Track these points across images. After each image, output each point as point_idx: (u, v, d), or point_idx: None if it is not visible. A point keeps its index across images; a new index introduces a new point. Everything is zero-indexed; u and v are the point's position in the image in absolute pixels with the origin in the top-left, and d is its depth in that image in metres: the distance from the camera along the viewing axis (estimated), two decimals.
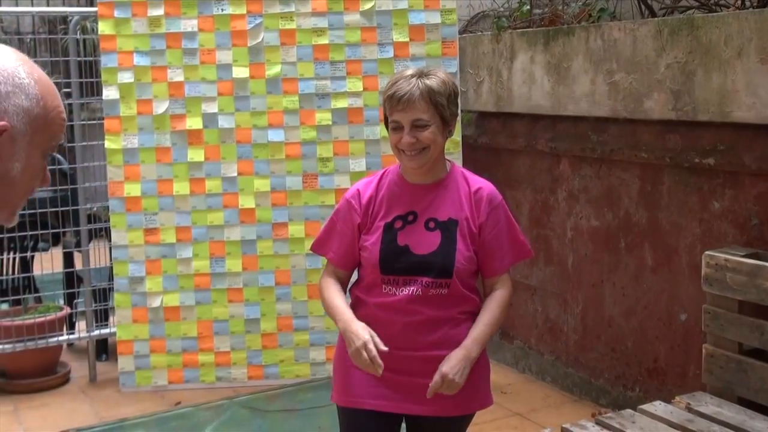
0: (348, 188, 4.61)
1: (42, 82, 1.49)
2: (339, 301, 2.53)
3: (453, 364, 2.37)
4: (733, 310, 3.36)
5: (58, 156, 5.44)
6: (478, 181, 2.60)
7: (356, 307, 2.59)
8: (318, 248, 2.66)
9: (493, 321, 2.49)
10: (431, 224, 2.49)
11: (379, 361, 2.33)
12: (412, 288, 2.45)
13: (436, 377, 2.35)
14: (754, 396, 3.28)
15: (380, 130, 4.70)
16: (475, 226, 2.50)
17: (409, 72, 2.47)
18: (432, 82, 2.43)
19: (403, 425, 2.65)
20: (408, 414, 2.56)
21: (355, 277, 2.67)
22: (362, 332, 2.38)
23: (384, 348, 2.35)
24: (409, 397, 2.48)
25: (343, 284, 2.63)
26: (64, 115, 1.57)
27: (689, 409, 3.24)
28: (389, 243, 2.48)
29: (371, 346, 2.34)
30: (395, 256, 2.47)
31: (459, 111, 2.61)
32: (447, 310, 2.47)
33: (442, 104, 2.44)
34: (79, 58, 4.99)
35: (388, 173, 2.62)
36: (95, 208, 5.30)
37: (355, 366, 2.49)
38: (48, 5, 8.09)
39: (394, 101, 2.43)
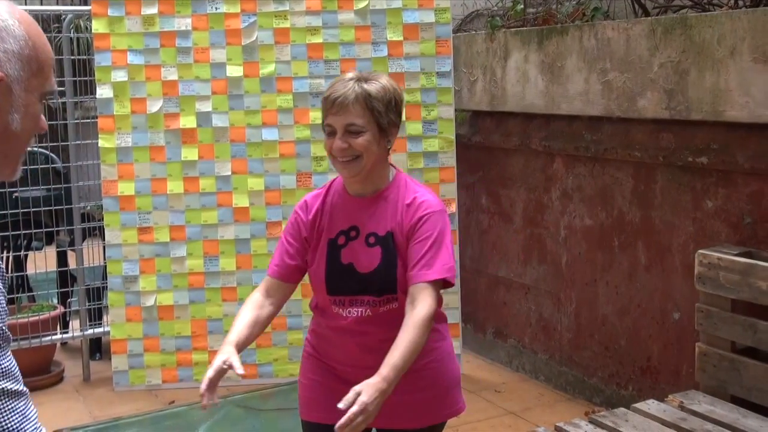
0: None
1: (25, 21, 1.38)
2: (239, 320, 2.40)
3: (372, 393, 2.09)
4: (726, 309, 3.36)
5: (52, 155, 5.43)
6: (416, 191, 2.42)
7: (316, 326, 2.53)
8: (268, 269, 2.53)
9: (411, 345, 2.21)
10: (371, 239, 2.39)
11: (205, 399, 2.29)
12: (360, 309, 2.36)
13: (357, 408, 2.06)
14: (746, 394, 3.29)
15: None
16: (403, 235, 2.36)
17: (350, 75, 2.38)
18: (371, 86, 2.32)
19: None
20: (377, 428, 2.46)
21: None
22: (216, 360, 2.30)
23: (241, 371, 2.24)
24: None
25: (280, 297, 2.48)
26: (53, 54, 1.46)
27: (682, 408, 3.25)
28: (333, 262, 2.39)
29: (203, 383, 2.27)
30: (340, 275, 2.38)
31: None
32: (400, 325, 2.31)
33: (378, 110, 2.31)
34: (72, 57, 4.98)
35: (335, 184, 2.50)
36: (89, 207, 5.30)
37: (319, 380, 2.46)
38: (41, 4, 8.07)
39: (328, 103, 2.34)
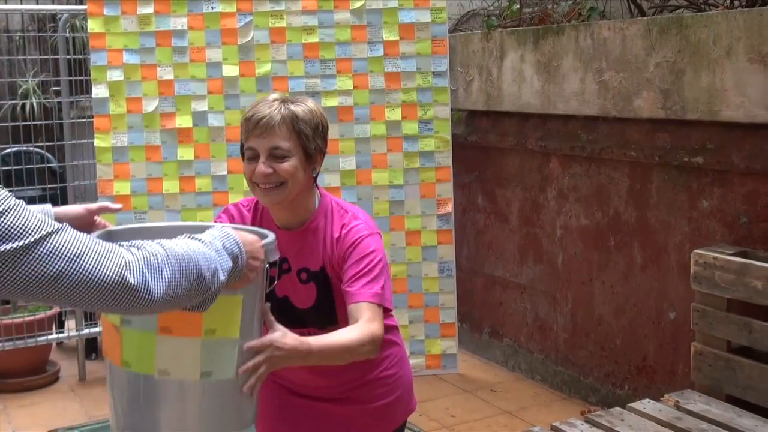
0: (337, 186, 4.64)
1: None
2: None
3: (286, 342, 1.91)
4: (721, 308, 3.37)
5: (47, 154, 5.42)
6: (342, 218, 2.26)
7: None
8: None
9: (344, 345, 2.03)
10: (303, 275, 2.24)
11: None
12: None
13: (263, 342, 1.89)
14: (742, 394, 3.29)
15: (370, 129, 4.70)
16: (335, 268, 2.22)
17: (273, 96, 2.23)
18: (297, 108, 2.17)
19: None
20: None
21: None
22: None
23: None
24: (326, 424, 2.34)
25: None
26: None
27: (678, 407, 3.25)
28: (268, 294, 2.14)
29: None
30: (277, 308, 2.14)
31: (326, 147, 2.26)
32: None
33: (306, 134, 2.16)
34: (68, 56, 4.97)
35: (262, 210, 2.32)
36: None
37: (264, 392, 2.24)
38: (37, 3, 8.04)
39: (251, 125, 2.16)
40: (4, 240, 1.39)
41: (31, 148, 5.27)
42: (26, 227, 1.41)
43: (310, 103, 2.23)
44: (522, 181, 4.84)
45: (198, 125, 4.66)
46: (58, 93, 5.16)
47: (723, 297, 3.35)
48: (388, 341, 2.33)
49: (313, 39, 4.70)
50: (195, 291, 1.59)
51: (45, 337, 4.94)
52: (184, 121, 4.65)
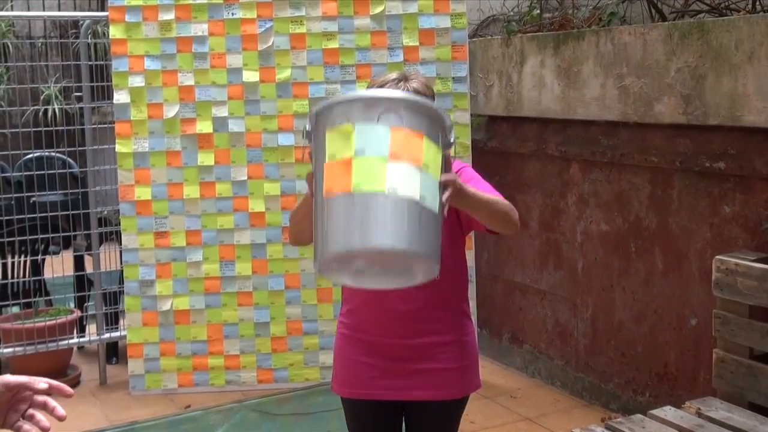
0: None
1: None
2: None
3: (454, 177, 2.23)
4: (743, 315, 3.34)
5: (69, 160, 5.46)
6: (454, 168, 2.55)
7: (352, 306, 2.62)
8: None
9: (497, 202, 2.37)
10: None
11: None
12: None
13: (444, 178, 2.18)
14: (764, 401, 3.27)
15: None
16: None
17: (394, 76, 2.53)
18: (416, 84, 2.48)
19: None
20: (409, 400, 2.59)
21: None
22: None
23: None
24: (411, 384, 2.51)
25: None
26: None
27: (699, 415, 3.23)
28: None
29: None
30: None
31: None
32: (435, 292, 2.44)
33: None
34: (90, 62, 5.01)
35: None
36: (106, 212, 5.32)
37: (356, 356, 2.55)
38: (59, 10, 8.12)
39: None
40: None
41: (53, 154, 5.32)
42: None
43: (422, 78, 2.55)
44: (542, 186, 4.82)
45: (218, 131, 4.68)
46: (79, 99, 5.20)
47: (745, 303, 3.32)
48: (466, 314, 2.63)
49: (333, 45, 4.71)
50: None
51: (66, 342, 4.98)
52: (204, 126, 4.67)
